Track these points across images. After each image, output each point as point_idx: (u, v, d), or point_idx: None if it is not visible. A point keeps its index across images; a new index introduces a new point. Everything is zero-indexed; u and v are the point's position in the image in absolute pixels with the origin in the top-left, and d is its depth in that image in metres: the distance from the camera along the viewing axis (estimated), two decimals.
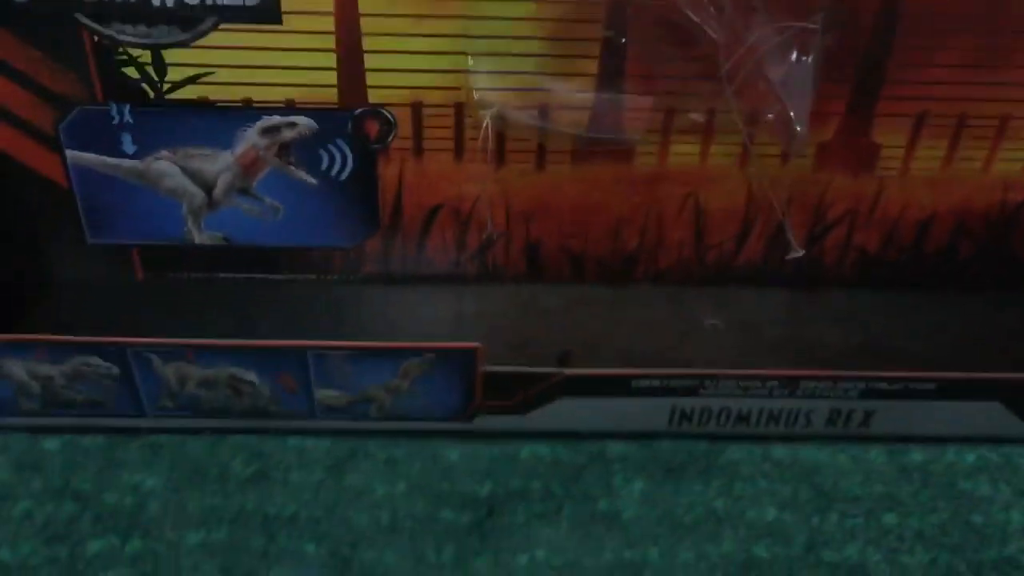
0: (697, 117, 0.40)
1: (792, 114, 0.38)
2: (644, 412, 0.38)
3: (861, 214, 0.44)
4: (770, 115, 0.39)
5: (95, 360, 0.35)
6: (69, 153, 0.41)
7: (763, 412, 0.37)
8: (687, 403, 0.37)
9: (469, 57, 0.38)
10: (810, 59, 0.37)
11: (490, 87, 0.39)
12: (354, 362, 0.36)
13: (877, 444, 0.43)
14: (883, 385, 0.37)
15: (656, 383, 0.37)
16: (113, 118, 0.40)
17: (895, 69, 0.40)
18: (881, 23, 0.38)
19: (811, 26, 0.36)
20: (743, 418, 0.39)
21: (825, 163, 0.43)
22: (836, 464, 0.42)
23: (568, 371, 0.37)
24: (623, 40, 0.38)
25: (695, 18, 0.37)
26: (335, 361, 0.36)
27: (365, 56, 0.39)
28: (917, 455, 0.42)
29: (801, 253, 0.42)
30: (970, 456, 0.43)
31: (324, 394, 0.36)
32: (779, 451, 0.42)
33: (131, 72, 0.39)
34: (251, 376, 0.36)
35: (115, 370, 0.35)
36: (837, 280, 0.46)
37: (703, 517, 0.40)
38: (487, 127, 0.39)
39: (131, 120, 0.40)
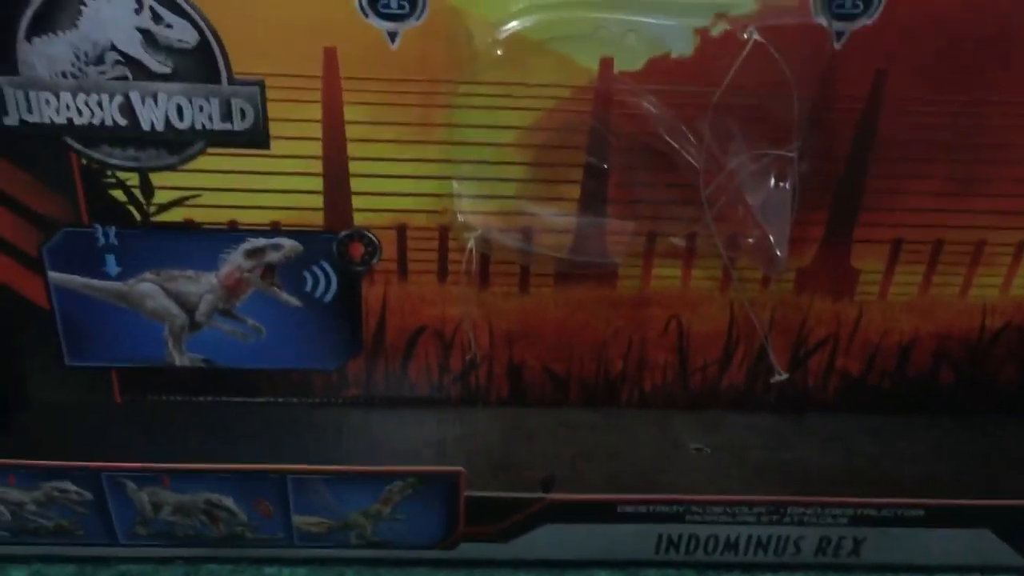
0: (678, 241, 0.41)
1: (772, 239, 0.38)
2: (631, 539, 0.37)
3: (843, 338, 0.45)
4: (750, 239, 0.39)
5: (68, 485, 0.34)
6: (52, 275, 0.41)
7: (751, 539, 0.36)
8: (674, 530, 0.36)
9: (454, 181, 0.39)
10: (788, 185, 0.38)
11: (474, 211, 0.39)
12: (334, 487, 0.35)
13: (868, 574, 0.42)
14: (872, 512, 0.36)
15: (642, 509, 0.36)
16: (98, 240, 0.40)
17: (871, 196, 0.41)
18: (856, 151, 0.39)
19: (788, 153, 0.37)
20: (731, 546, 0.39)
21: (805, 288, 0.43)
22: None
23: (552, 496, 0.36)
24: (605, 166, 0.39)
25: (675, 145, 0.38)
26: (315, 486, 0.35)
27: (351, 180, 0.39)
28: None
29: (785, 376, 0.42)
30: None
31: (303, 520, 0.35)
32: None
33: (118, 195, 0.39)
34: (228, 502, 0.35)
35: (88, 496, 0.34)
36: (821, 404, 0.46)
37: None
38: (471, 250, 0.39)
39: (116, 242, 0.40)
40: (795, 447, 0.45)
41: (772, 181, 0.38)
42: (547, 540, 0.37)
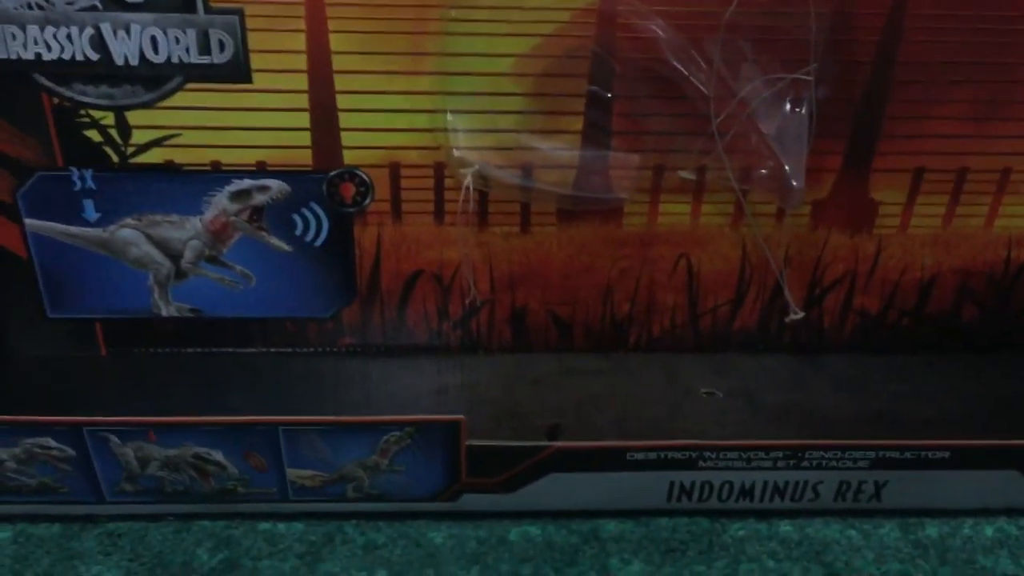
0: (687, 175, 0.39)
1: (787, 168, 0.36)
2: (640, 487, 0.35)
3: (861, 275, 0.42)
4: (764, 170, 0.37)
5: (49, 442, 0.32)
6: (28, 222, 0.39)
7: (767, 485, 0.35)
8: (686, 477, 0.35)
9: (448, 114, 0.36)
10: (804, 111, 0.35)
11: (470, 145, 0.37)
12: (329, 438, 0.33)
13: (890, 518, 0.40)
14: (894, 454, 0.34)
15: (652, 456, 0.34)
16: (75, 184, 0.38)
17: (891, 122, 0.38)
18: (876, 74, 0.37)
19: (804, 76, 0.35)
20: (746, 492, 0.37)
21: (821, 222, 0.41)
22: (847, 540, 0.39)
23: (558, 444, 0.34)
24: (608, 95, 0.37)
25: (683, 70, 0.35)
26: (308, 437, 0.33)
27: (339, 115, 0.37)
28: (932, 530, 0.40)
29: (801, 315, 0.40)
30: (988, 529, 0.40)
31: (297, 473, 0.34)
32: (786, 527, 0.39)
33: (93, 135, 0.37)
34: (217, 455, 0.33)
35: (70, 452, 0.33)
36: (838, 344, 0.44)
37: None
38: (468, 188, 0.37)
39: (93, 186, 0.38)
40: (811, 390, 0.43)
41: (787, 107, 0.35)
42: (553, 490, 0.36)
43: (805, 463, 0.35)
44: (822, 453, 0.34)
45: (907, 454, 0.35)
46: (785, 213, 0.40)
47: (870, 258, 0.42)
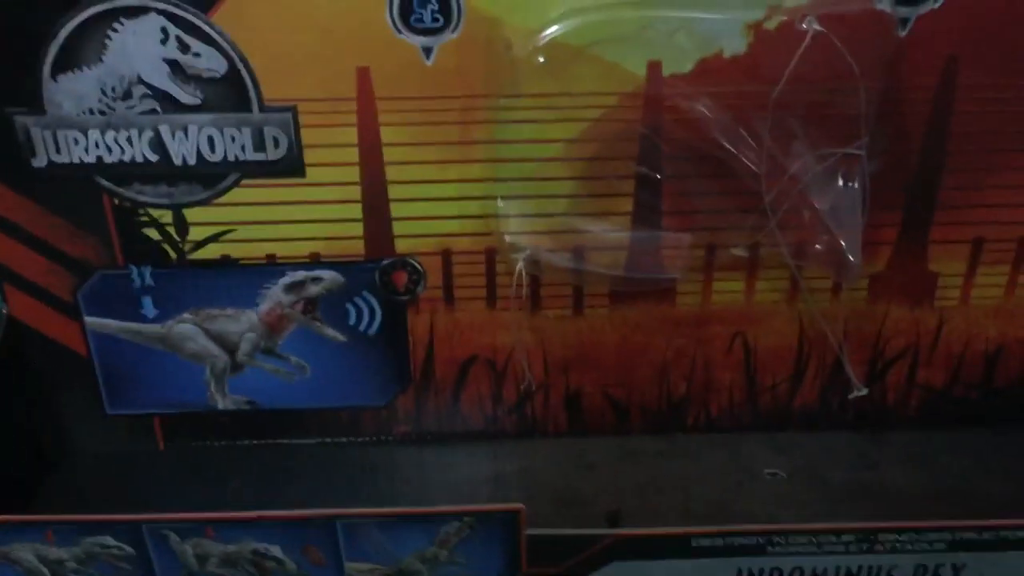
0: (740, 252, 0.38)
1: (843, 243, 0.35)
2: (707, 574, 0.34)
3: (923, 348, 0.42)
4: (819, 246, 0.37)
5: (108, 540, 0.32)
6: (88, 319, 0.40)
7: (840, 570, 0.33)
8: (754, 563, 0.33)
9: (499, 200, 0.37)
10: (857, 185, 0.35)
11: (521, 230, 0.37)
12: (387, 530, 0.33)
13: None
14: (972, 535, 0.33)
15: (718, 542, 0.33)
16: (134, 281, 0.39)
17: (947, 193, 0.38)
18: (929, 145, 0.37)
19: (856, 151, 0.35)
20: None
21: (880, 295, 0.40)
22: None
23: (619, 532, 0.33)
24: (658, 176, 0.37)
25: (732, 149, 0.35)
26: (366, 530, 0.33)
27: (391, 205, 0.38)
28: None
29: (865, 391, 0.39)
30: None
31: (356, 567, 0.33)
32: None
33: (152, 233, 0.38)
34: (275, 551, 0.33)
35: (130, 551, 0.33)
36: (903, 419, 0.43)
37: None
38: (520, 272, 0.37)
39: (152, 283, 0.39)
40: (878, 467, 0.42)
41: (840, 182, 0.35)
42: None
43: (879, 546, 0.33)
44: (896, 536, 0.33)
45: (985, 535, 0.33)
46: (842, 288, 0.39)
47: (932, 331, 0.41)
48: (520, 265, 0.37)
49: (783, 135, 0.35)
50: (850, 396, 0.39)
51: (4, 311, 0.40)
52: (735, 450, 0.43)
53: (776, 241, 0.37)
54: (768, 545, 0.33)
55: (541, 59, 0.33)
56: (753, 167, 0.35)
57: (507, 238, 0.37)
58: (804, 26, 0.32)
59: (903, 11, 0.34)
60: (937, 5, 0.34)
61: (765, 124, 0.34)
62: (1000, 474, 0.41)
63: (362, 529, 0.33)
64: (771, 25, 0.34)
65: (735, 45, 0.34)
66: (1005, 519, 0.33)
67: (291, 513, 0.33)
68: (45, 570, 0.34)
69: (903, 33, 0.34)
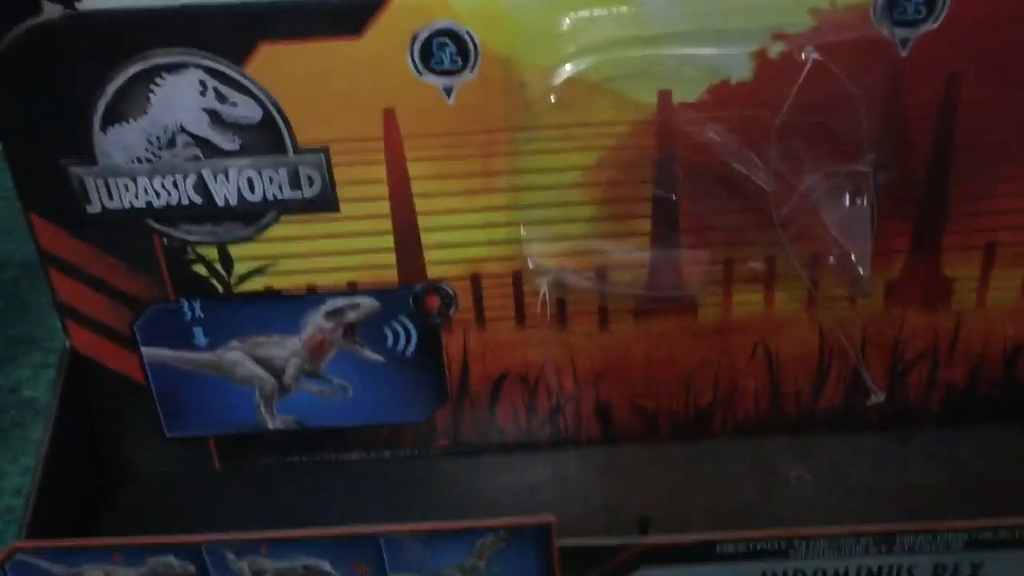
0: (757, 265, 0.40)
1: (853, 257, 0.37)
2: None
3: (942, 350, 0.43)
4: (831, 258, 0.38)
5: (171, 560, 0.35)
6: (144, 350, 0.42)
7: (861, 570, 0.35)
8: (778, 566, 0.35)
9: (522, 226, 0.39)
10: (864, 201, 0.36)
11: (545, 254, 0.39)
12: (427, 544, 0.35)
13: None
14: (988, 535, 0.34)
15: (743, 548, 0.35)
16: (185, 314, 0.42)
17: (957, 202, 0.39)
18: (935, 157, 0.38)
19: (862, 168, 0.36)
20: None
21: (896, 301, 0.41)
22: None
23: (645, 540, 0.35)
24: (673, 197, 0.39)
25: (743, 170, 0.37)
26: (408, 544, 0.35)
27: (421, 234, 0.40)
28: None
29: (882, 398, 0.41)
30: None
31: None
32: None
33: (200, 269, 0.40)
34: (325, 566, 0.35)
35: (191, 569, 0.35)
36: (926, 420, 0.44)
37: None
38: (545, 294, 0.39)
39: (202, 314, 0.42)
40: (901, 467, 0.43)
41: (848, 199, 0.36)
42: None
43: (897, 547, 0.35)
44: (914, 536, 0.35)
45: (1002, 534, 0.34)
46: (856, 297, 0.40)
47: (949, 333, 0.42)
48: (544, 288, 0.39)
49: (791, 157, 0.36)
50: (868, 402, 0.41)
51: (68, 345, 0.42)
52: (761, 454, 0.44)
53: (790, 255, 0.38)
54: (790, 549, 0.35)
55: (554, 97, 0.35)
56: (764, 187, 0.37)
57: (531, 262, 0.39)
58: (804, 55, 0.34)
59: (902, 33, 0.35)
60: (936, 25, 0.35)
61: (772, 147, 0.36)
62: (1021, 470, 0.42)
63: (404, 543, 0.35)
64: (774, 53, 0.35)
65: (741, 73, 0.36)
66: (1019, 519, 0.34)
67: (338, 531, 0.35)
68: None
69: (904, 53, 0.35)
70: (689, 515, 0.41)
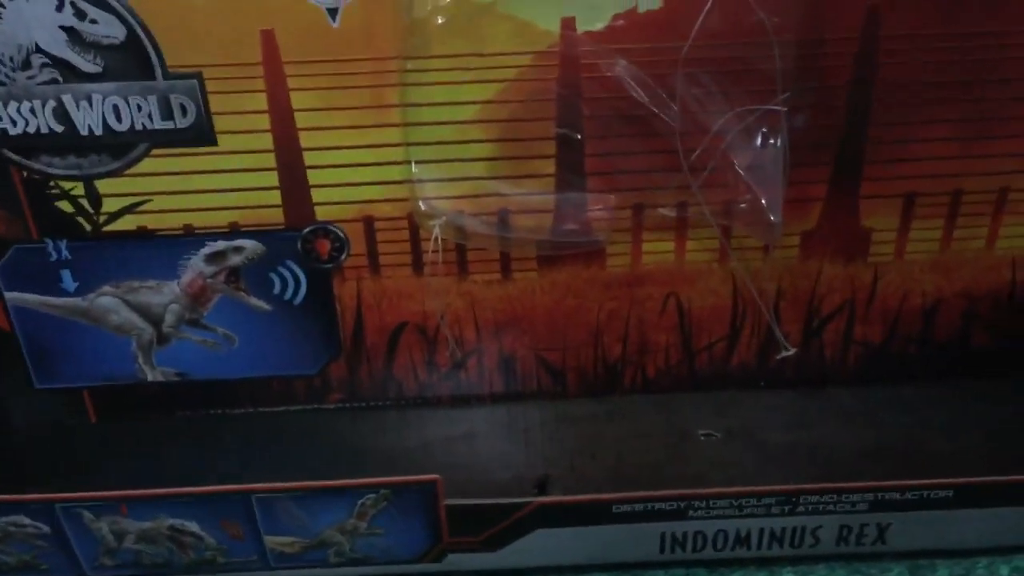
0: (667, 212, 0.38)
1: (765, 202, 0.35)
2: (630, 540, 0.34)
3: (859, 304, 0.41)
4: (743, 205, 0.36)
5: (22, 519, 0.32)
6: (7, 295, 0.39)
7: (764, 532, 0.33)
8: (677, 528, 0.33)
9: (412, 165, 0.36)
10: (779, 142, 0.34)
11: (439, 195, 0.36)
12: (303, 504, 0.32)
13: (898, 561, 0.38)
14: (895, 495, 0.33)
15: (639, 508, 0.33)
16: (50, 255, 0.38)
17: (875, 147, 0.37)
18: (854, 99, 0.36)
19: (776, 107, 0.34)
20: (742, 541, 0.35)
21: (812, 252, 0.39)
22: None
23: (540, 500, 0.33)
24: (578, 136, 0.36)
25: (652, 108, 0.34)
26: (282, 504, 0.32)
27: (308, 172, 0.37)
28: (944, 571, 0.38)
29: (792, 352, 0.39)
30: (1004, 568, 0.38)
31: (275, 540, 0.33)
32: (788, 574, 0.38)
33: (65, 206, 0.37)
34: (192, 526, 0.33)
35: (45, 529, 0.32)
36: (841, 377, 0.43)
37: None
38: (437, 238, 0.37)
39: (69, 256, 0.38)
40: (816, 426, 0.41)
41: (760, 140, 0.34)
42: (540, 546, 0.35)
43: (801, 508, 0.33)
44: (818, 497, 0.33)
45: (908, 495, 0.33)
46: (771, 247, 0.38)
47: (867, 287, 0.41)
48: (437, 231, 0.37)
49: (701, 93, 0.34)
50: (777, 357, 0.39)
51: None
52: (672, 411, 0.42)
53: (701, 201, 0.36)
54: (689, 509, 0.33)
55: (440, 19, 0.32)
56: (674, 126, 0.34)
57: (422, 204, 0.36)
58: None
59: None
60: None
61: (680, 82, 0.33)
62: (936, 430, 0.40)
63: (278, 503, 0.33)
64: None
65: (649, 0, 0.33)
66: (927, 479, 0.33)
67: (202, 489, 0.32)
68: None
69: None
70: (594, 476, 0.40)
